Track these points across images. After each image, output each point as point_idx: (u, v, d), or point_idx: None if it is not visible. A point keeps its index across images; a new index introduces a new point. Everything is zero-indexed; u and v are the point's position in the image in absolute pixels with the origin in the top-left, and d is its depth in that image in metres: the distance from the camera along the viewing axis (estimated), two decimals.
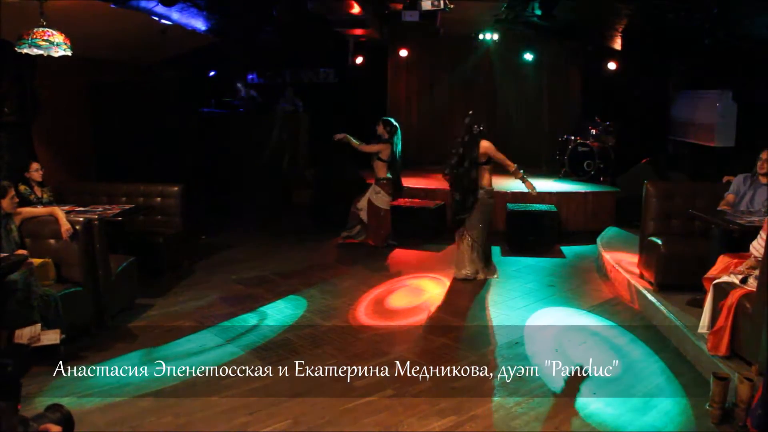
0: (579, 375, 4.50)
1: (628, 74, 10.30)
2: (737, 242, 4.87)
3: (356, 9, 8.17)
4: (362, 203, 7.93)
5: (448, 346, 4.97)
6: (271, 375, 4.41)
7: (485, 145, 6.44)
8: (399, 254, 7.70)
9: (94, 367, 4.49)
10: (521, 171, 6.53)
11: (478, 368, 4.59)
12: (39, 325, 4.26)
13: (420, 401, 4.07)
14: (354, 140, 7.73)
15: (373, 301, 6.09)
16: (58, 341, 4.29)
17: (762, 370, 3.76)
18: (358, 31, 10.10)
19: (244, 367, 4.52)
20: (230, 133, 11.24)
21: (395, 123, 7.86)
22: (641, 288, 5.90)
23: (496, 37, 10.75)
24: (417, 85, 11.96)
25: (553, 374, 4.50)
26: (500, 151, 6.52)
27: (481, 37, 10.70)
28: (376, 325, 5.43)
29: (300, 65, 12.14)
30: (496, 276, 6.75)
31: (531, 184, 6.60)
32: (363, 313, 5.70)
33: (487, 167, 6.52)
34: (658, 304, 5.47)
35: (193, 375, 4.40)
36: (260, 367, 4.52)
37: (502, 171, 6.76)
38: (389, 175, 7.80)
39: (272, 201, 10.72)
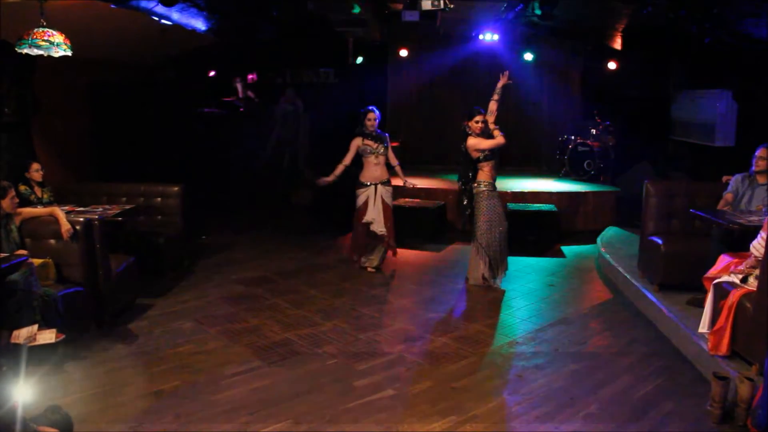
0: (579, 375, 4.50)
1: (628, 74, 10.30)
2: (737, 242, 4.87)
3: (356, 9, 8.17)
4: (370, 214, 6.76)
5: (448, 345, 4.98)
6: (271, 375, 4.41)
7: (470, 143, 6.22)
8: (399, 254, 7.70)
9: (95, 367, 4.50)
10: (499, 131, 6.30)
11: (478, 368, 4.60)
12: (36, 326, 4.25)
13: (420, 401, 4.07)
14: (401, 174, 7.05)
15: (374, 301, 6.09)
16: (54, 340, 4.29)
17: (762, 370, 3.77)
18: (359, 31, 10.10)
19: (244, 367, 4.52)
20: (230, 133, 11.25)
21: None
22: (641, 288, 5.90)
23: (496, 37, 10.75)
24: (417, 85, 11.95)
25: (554, 374, 4.50)
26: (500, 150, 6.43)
27: (481, 36, 10.65)
28: (376, 325, 5.43)
29: (300, 65, 12.14)
30: (494, 284, 6.42)
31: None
32: (363, 313, 5.70)
33: (485, 164, 6.27)
34: (658, 303, 5.47)
35: (194, 375, 4.41)
36: (261, 367, 4.53)
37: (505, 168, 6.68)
38: None
39: (272, 201, 10.74)
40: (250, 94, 12.64)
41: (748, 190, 5.47)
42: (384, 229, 6.80)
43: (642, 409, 3.99)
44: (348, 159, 6.79)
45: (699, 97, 8.95)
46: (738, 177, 5.58)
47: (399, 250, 7.10)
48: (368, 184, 6.78)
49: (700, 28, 6.72)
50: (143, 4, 6.12)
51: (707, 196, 5.99)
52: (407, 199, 8.80)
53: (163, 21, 6.73)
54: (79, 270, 4.99)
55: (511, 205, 8.23)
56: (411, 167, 10.52)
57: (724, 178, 5.89)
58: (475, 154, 6.26)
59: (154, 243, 6.54)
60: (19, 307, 4.28)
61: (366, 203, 6.78)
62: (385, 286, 6.64)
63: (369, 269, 6.98)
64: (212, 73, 12.01)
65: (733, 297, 4.23)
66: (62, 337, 4.37)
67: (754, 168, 5.47)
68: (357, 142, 6.75)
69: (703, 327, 4.55)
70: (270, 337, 5.09)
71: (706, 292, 4.64)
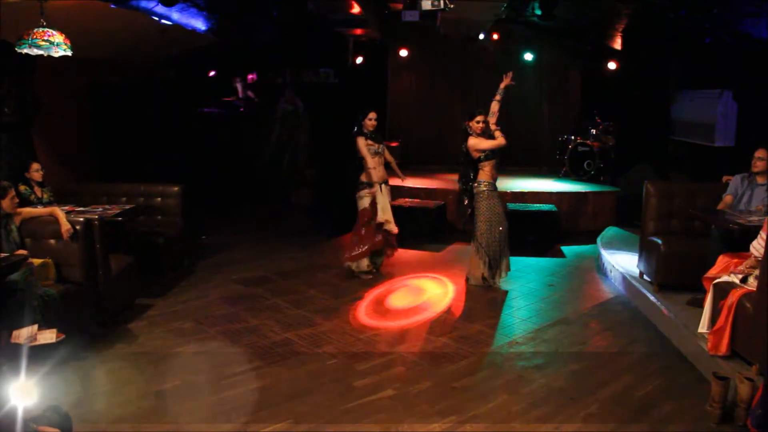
0: (579, 375, 4.50)
1: (628, 74, 10.31)
2: (737, 242, 4.87)
3: (356, 9, 8.18)
4: (382, 214, 6.67)
5: (448, 345, 4.97)
6: (271, 375, 4.41)
7: (471, 143, 6.21)
8: (399, 254, 7.69)
9: (95, 367, 4.50)
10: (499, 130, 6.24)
11: (478, 368, 4.59)
12: (36, 326, 4.26)
13: (420, 401, 4.07)
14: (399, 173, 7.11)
15: (374, 301, 6.09)
16: (54, 340, 4.29)
17: (762, 370, 3.77)
18: (359, 31, 10.12)
19: (244, 367, 4.52)
20: (230, 133, 11.26)
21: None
22: (641, 288, 5.90)
23: (496, 37, 10.77)
24: (417, 85, 11.96)
25: (554, 374, 4.50)
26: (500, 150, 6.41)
27: (481, 36, 10.63)
28: (376, 326, 5.43)
29: (300, 65, 12.15)
30: (494, 284, 6.42)
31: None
32: (363, 313, 5.71)
33: (485, 164, 6.26)
34: (658, 303, 5.48)
35: (194, 374, 4.41)
36: (261, 367, 4.53)
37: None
38: None
39: (272, 201, 10.74)
40: (250, 94, 12.65)
41: (748, 190, 5.47)
42: (395, 228, 6.78)
43: (642, 409, 3.99)
44: (370, 161, 6.54)
45: (699, 97, 8.95)
46: (737, 178, 5.58)
47: (399, 250, 7.10)
48: (373, 184, 6.62)
49: (700, 28, 6.72)
50: (143, 4, 6.13)
51: (707, 196, 5.98)
52: (407, 199, 8.81)
53: (163, 21, 6.74)
54: (78, 270, 4.99)
55: (511, 205, 8.23)
56: (411, 167, 10.55)
57: (725, 179, 5.89)
58: (475, 154, 6.26)
59: (154, 243, 6.53)
60: (19, 307, 4.28)
61: (373, 204, 6.62)
62: (385, 286, 6.64)
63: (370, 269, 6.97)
64: (212, 73, 12.03)
65: (733, 297, 4.23)
66: (62, 337, 4.36)
67: (753, 168, 5.47)
68: (362, 143, 6.55)
69: (703, 327, 4.56)
70: (270, 337, 5.09)
71: (706, 292, 4.64)
